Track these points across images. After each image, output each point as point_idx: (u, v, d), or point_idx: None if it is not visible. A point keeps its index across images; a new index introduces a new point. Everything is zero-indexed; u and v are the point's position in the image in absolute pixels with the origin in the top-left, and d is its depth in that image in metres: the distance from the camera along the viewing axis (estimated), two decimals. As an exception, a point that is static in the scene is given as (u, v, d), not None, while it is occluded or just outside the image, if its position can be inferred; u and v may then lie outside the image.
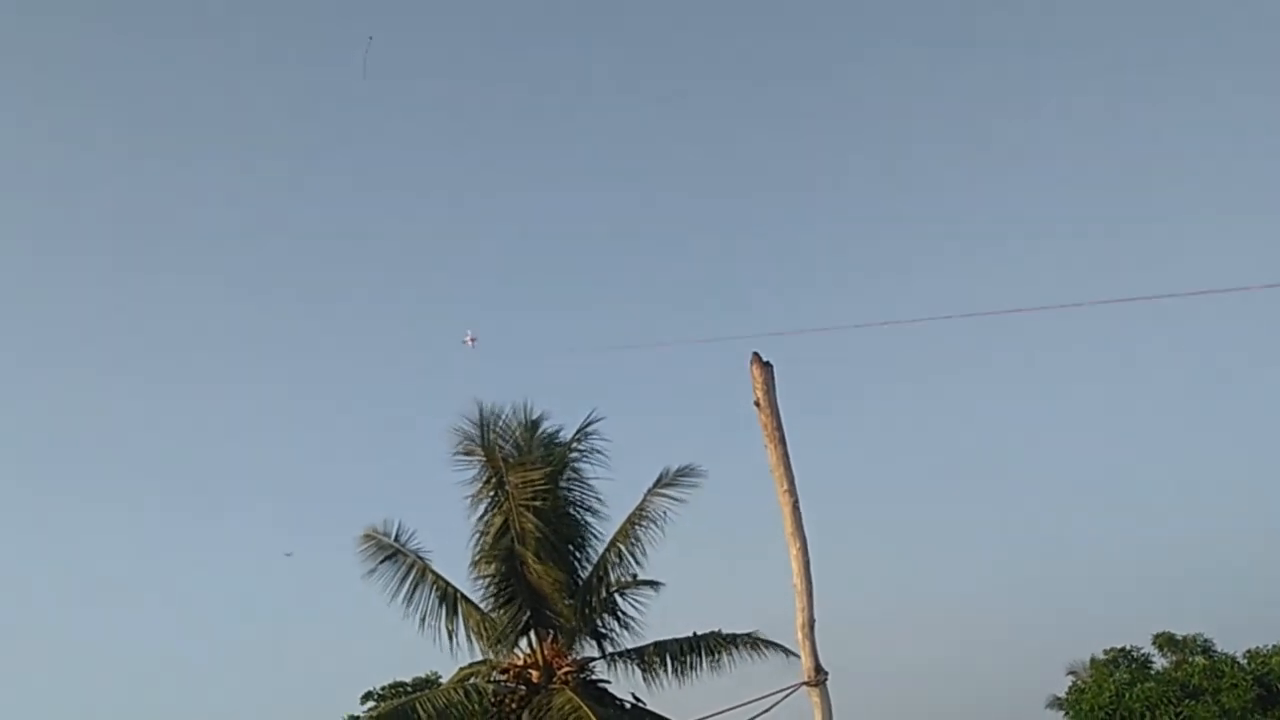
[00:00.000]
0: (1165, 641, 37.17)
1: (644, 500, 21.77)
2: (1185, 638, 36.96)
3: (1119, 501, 54.22)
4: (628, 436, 25.38)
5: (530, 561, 20.53)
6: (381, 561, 21.16)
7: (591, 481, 22.23)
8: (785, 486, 14.89)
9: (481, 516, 21.22)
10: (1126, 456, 56.84)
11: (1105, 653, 37.70)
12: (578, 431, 22.19)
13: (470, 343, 31.15)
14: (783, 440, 14.91)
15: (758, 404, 14.68)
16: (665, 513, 21.55)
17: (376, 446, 51.72)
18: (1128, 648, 37.50)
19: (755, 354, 14.75)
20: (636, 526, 21.63)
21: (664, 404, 51.74)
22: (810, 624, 14.67)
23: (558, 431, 22.40)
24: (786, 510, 14.84)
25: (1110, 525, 53.00)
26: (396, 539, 21.45)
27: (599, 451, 22.22)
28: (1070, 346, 58.54)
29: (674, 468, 21.86)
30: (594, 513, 22.07)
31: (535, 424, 22.20)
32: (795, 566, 14.73)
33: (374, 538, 21.32)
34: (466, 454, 21.46)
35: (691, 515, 22.02)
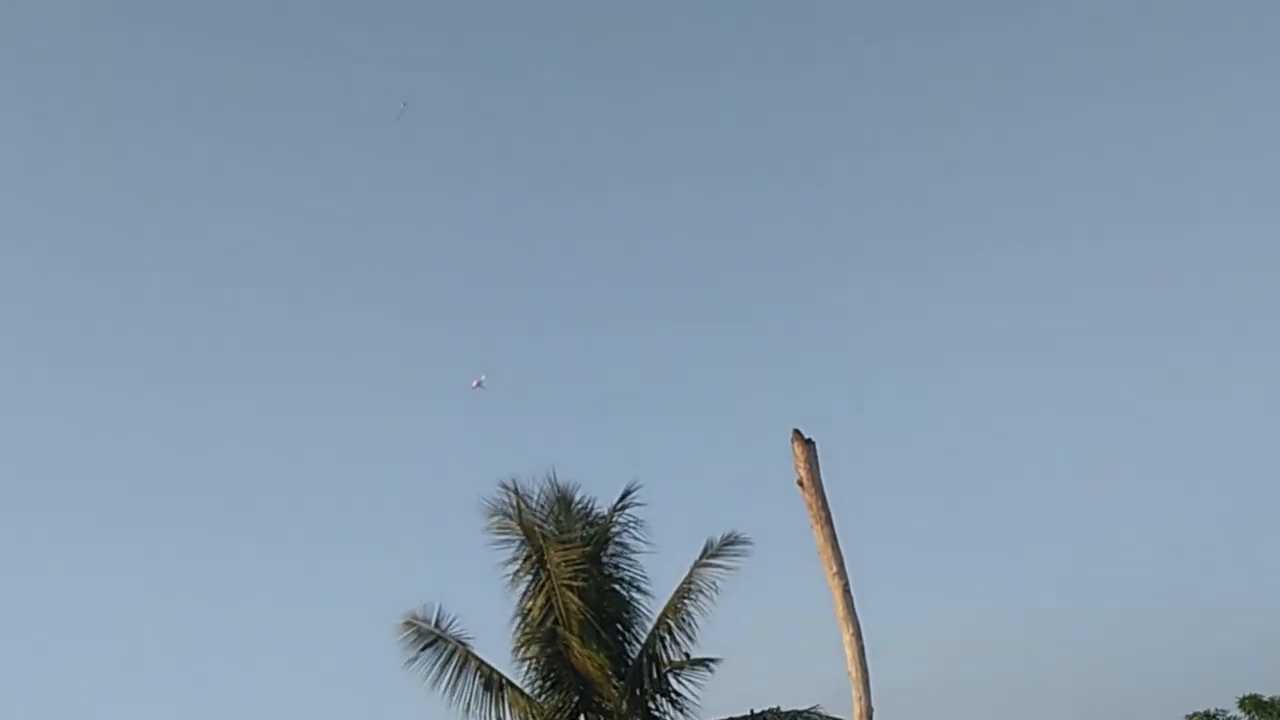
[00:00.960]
0: (1253, 705, 36.07)
1: (691, 573, 21.30)
2: (1273, 700, 35.85)
3: (1196, 561, 52.70)
4: (668, 505, 25.00)
5: (575, 644, 20.17)
6: (422, 649, 20.83)
7: (634, 555, 21.81)
8: (834, 569, 14.56)
9: (522, 597, 20.90)
10: (1201, 517, 55.04)
11: (1189, 718, 36.69)
12: (618, 503, 21.84)
13: (479, 385, 31.00)
14: (829, 520, 14.60)
15: (801, 484, 14.40)
16: (714, 584, 21.13)
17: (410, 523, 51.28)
18: (1212, 711, 36.46)
19: (796, 431, 14.47)
20: (685, 601, 21.15)
21: (704, 468, 50.95)
22: (868, 714, 14.24)
23: (593, 503, 22.10)
24: (837, 594, 14.49)
25: (1188, 585, 51.50)
26: (437, 624, 21.12)
27: (640, 523, 21.84)
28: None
29: (719, 537, 21.42)
30: (639, 589, 21.64)
31: (568, 495, 21.93)
32: (849, 653, 14.35)
33: (414, 624, 21.01)
34: (502, 531, 21.21)
35: (744, 583, 21.82)
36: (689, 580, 21.24)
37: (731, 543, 21.36)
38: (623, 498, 21.72)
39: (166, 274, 59.58)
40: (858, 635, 14.23)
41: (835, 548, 14.48)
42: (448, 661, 20.88)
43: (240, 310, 59.11)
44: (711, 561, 21.25)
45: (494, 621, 21.48)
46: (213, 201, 60.45)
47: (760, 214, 61.64)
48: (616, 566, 21.55)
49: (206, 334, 58.29)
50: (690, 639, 21.03)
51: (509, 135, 62.64)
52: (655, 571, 21.85)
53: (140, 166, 62.79)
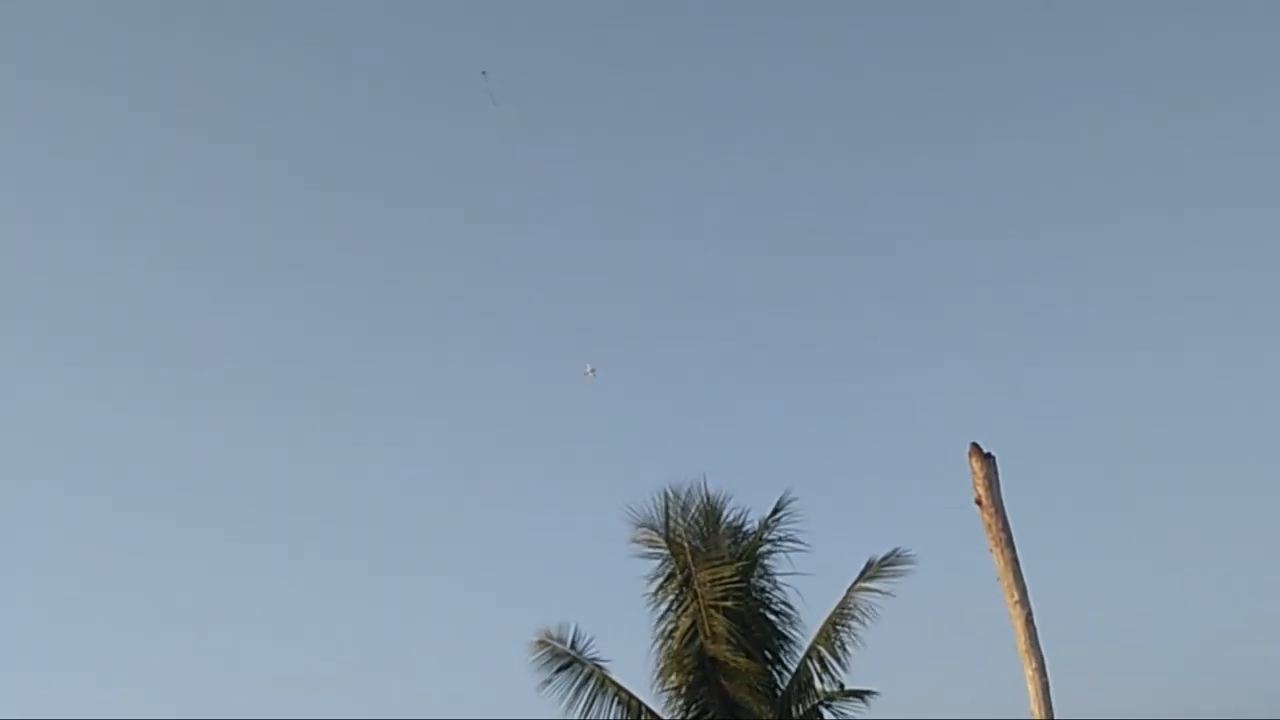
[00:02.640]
0: None
1: (849, 594, 20.54)
2: None
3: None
4: (825, 520, 24.16)
5: (722, 671, 19.55)
6: (557, 671, 20.40)
7: (786, 575, 21.07)
8: (1016, 597, 13.68)
9: (665, 618, 20.39)
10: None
11: None
12: (770, 516, 21.10)
13: (591, 374, 30.78)
14: (1011, 543, 13.70)
15: (979, 503, 13.54)
16: (873, 608, 20.37)
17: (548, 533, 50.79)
18: None
19: (974, 445, 13.57)
20: (840, 626, 20.37)
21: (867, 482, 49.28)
22: (1053, 759, 13.35)
23: (745, 516, 21.34)
24: (1019, 624, 13.59)
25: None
26: (572, 645, 20.68)
27: (794, 540, 21.06)
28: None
29: (881, 556, 20.64)
30: (791, 612, 20.91)
31: (717, 508, 21.20)
32: (1032, 690, 13.48)
33: (548, 644, 20.60)
34: (648, 545, 20.70)
35: (907, 609, 21.09)
36: (846, 603, 20.47)
37: (894, 562, 20.55)
38: (775, 511, 21.01)
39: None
40: (1041, 670, 13.34)
41: (1017, 573, 13.61)
42: (583, 685, 20.42)
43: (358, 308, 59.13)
44: (871, 584, 20.47)
45: (632, 643, 21.06)
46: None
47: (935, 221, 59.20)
48: (767, 587, 20.85)
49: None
50: (845, 668, 20.28)
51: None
52: (809, 593, 21.17)
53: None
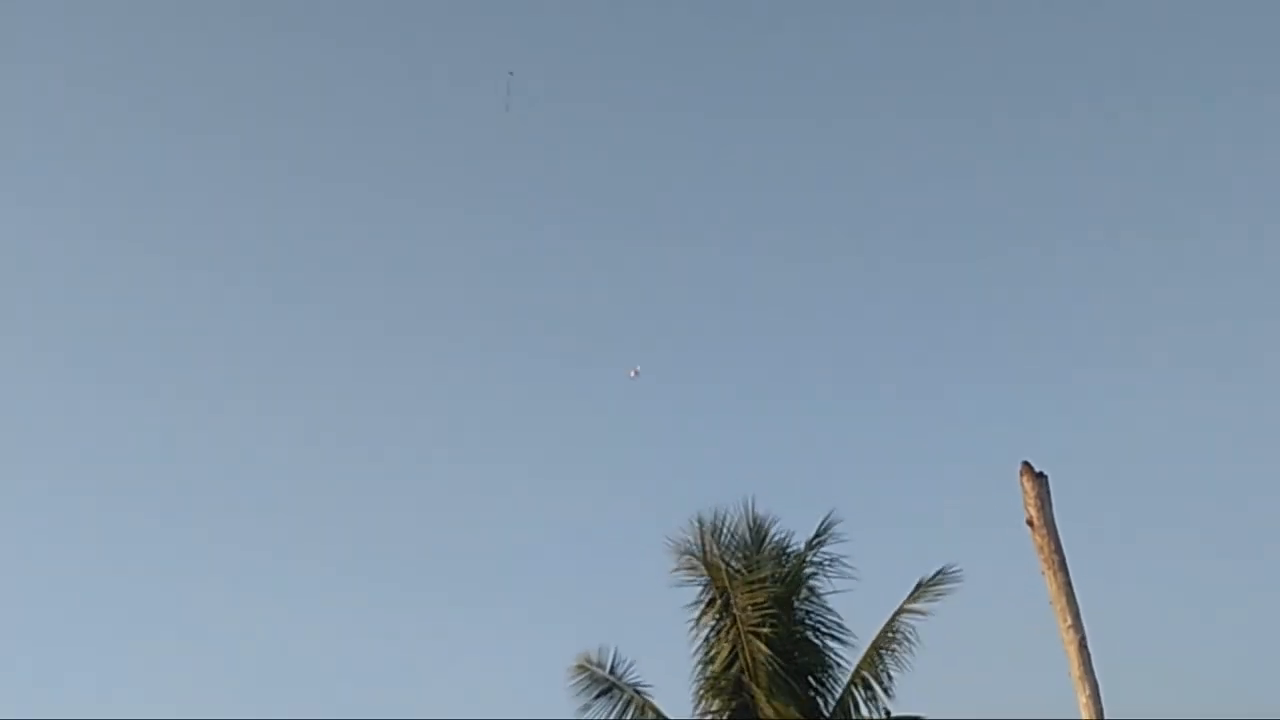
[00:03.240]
0: None
1: (894, 618, 20.13)
2: None
3: None
4: (870, 542, 23.80)
5: (762, 698, 19.17)
6: (596, 697, 20.19)
7: (830, 597, 20.68)
8: (1069, 621, 13.46)
9: (705, 643, 20.04)
10: None
11: None
12: (814, 538, 20.76)
13: (635, 374, 30.70)
14: (1064, 566, 13.46)
15: (1030, 524, 13.28)
16: (918, 633, 19.96)
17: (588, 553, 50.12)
18: None
19: (1025, 464, 13.34)
20: (885, 650, 19.97)
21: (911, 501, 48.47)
22: (1110, 792, 13.06)
23: (789, 537, 21.01)
24: (1072, 650, 13.37)
25: None
26: (612, 670, 20.46)
27: (839, 561, 20.69)
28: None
29: (928, 576, 20.21)
30: (834, 636, 20.48)
31: (763, 529, 20.90)
32: (1085, 718, 13.21)
33: (587, 669, 20.41)
34: (688, 570, 20.40)
35: (955, 634, 20.64)
36: (891, 626, 20.06)
37: (941, 581, 20.16)
38: (819, 533, 20.69)
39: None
40: (1096, 698, 13.16)
41: (1070, 597, 13.40)
42: (624, 711, 20.19)
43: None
44: (917, 606, 20.06)
45: (674, 667, 20.69)
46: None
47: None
48: (810, 610, 20.49)
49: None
50: (890, 694, 19.86)
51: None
52: (854, 616, 20.76)
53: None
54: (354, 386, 57.55)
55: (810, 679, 20.12)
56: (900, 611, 20.11)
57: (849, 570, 20.61)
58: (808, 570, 20.62)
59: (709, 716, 19.87)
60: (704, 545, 20.38)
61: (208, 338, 57.67)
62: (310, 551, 49.50)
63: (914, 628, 19.97)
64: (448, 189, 60.77)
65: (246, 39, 61.41)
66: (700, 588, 20.29)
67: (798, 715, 19.26)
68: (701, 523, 20.54)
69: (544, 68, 56.32)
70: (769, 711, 19.20)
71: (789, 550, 20.84)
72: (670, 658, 20.97)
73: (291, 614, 46.28)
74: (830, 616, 20.53)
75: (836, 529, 20.71)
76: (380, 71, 61.68)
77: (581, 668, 20.52)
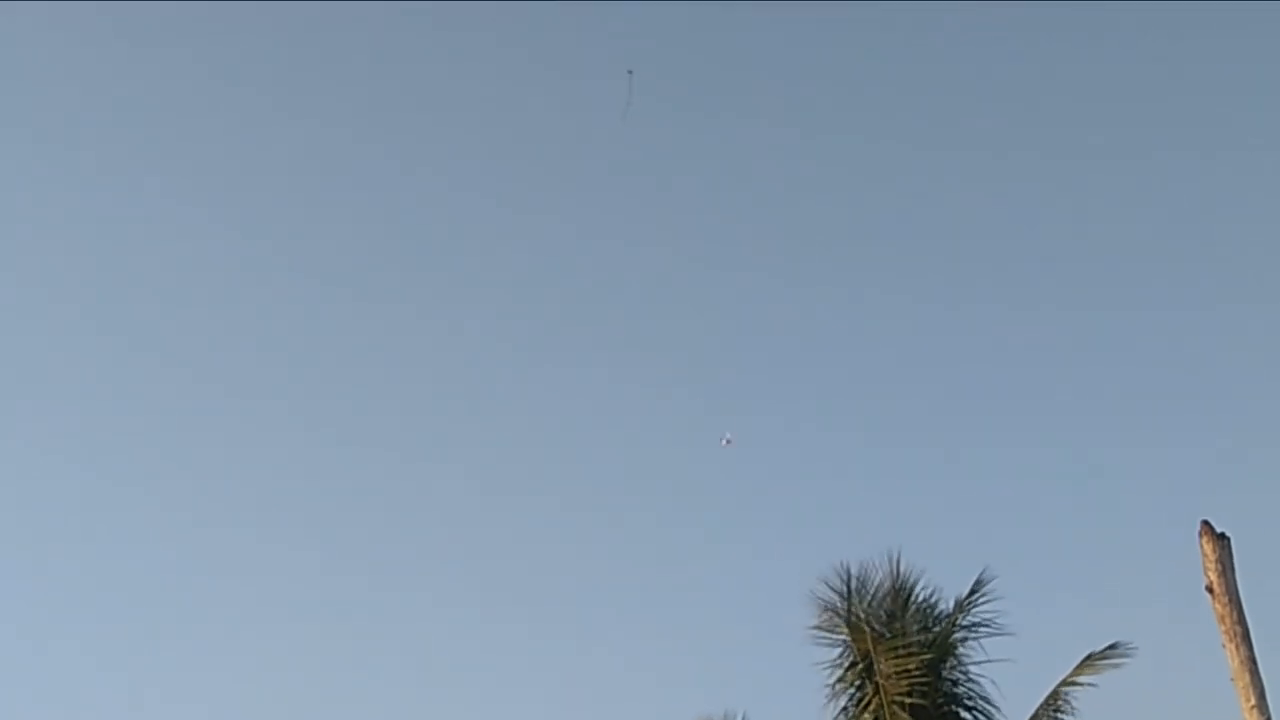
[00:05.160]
0: None
1: (1055, 691, 19.03)
2: None
3: None
4: (1027, 602, 22.74)
5: (908, 774, 18.28)
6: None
7: (983, 665, 19.72)
8: (1252, 701, 12.48)
9: (844, 711, 19.27)
10: None
11: None
12: (966, 598, 19.83)
13: (727, 443, 30.23)
14: (1247, 638, 12.48)
15: (1210, 590, 12.37)
16: (1080, 709, 18.97)
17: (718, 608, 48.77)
18: None
19: (1206, 524, 12.46)
20: (1044, 727, 18.85)
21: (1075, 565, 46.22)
22: None
23: (938, 595, 20.11)
24: (1254, 734, 12.32)
25: None
26: (739, 736, 19.88)
27: (993, 624, 19.72)
28: None
29: (1099, 649, 19.10)
30: (986, 709, 19.55)
31: (907, 586, 20.01)
32: (1272, 815, 12.18)
33: (712, 733, 19.85)
34: (827, 630, 19.60)
35: (1122, 709, 19.85)
36: (1053, 701, 18.99)
37: (1111, 656, 19.03)
38: (972, 592, 19.75)
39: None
40: (1284, 792, 12.09)
41: (1254, 672, 12.45)
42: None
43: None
44: (1083, 678, 18.99)
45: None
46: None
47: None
48: (960, 680, 19.55)
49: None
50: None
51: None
52: (1009, 687, 19.79)
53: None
54: (467, 407, 56.99)
55: (960, 756, 19.24)
56: (1063, 684, 19.02)
57: (1004, 635, 19.62)
58: (957, 634, 19.68)
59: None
60: (849, 602, 19.62)
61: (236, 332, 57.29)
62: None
63: (1076, 702, 18.93)
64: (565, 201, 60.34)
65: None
66: (840, 649, 19.50)
67: (945, 795, 18.42)
68: (847, 576, 19.75)
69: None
70: (914, 791, 18.34)
71: (937, 612, 19.94)
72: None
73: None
74: (982, 687, 19.58)
75: (991, 588, 19.73)
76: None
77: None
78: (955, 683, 19.53)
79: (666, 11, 54.99)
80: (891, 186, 58.16)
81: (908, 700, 18.34)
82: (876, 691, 18.73)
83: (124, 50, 57.55)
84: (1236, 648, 12.38)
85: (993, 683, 19.56)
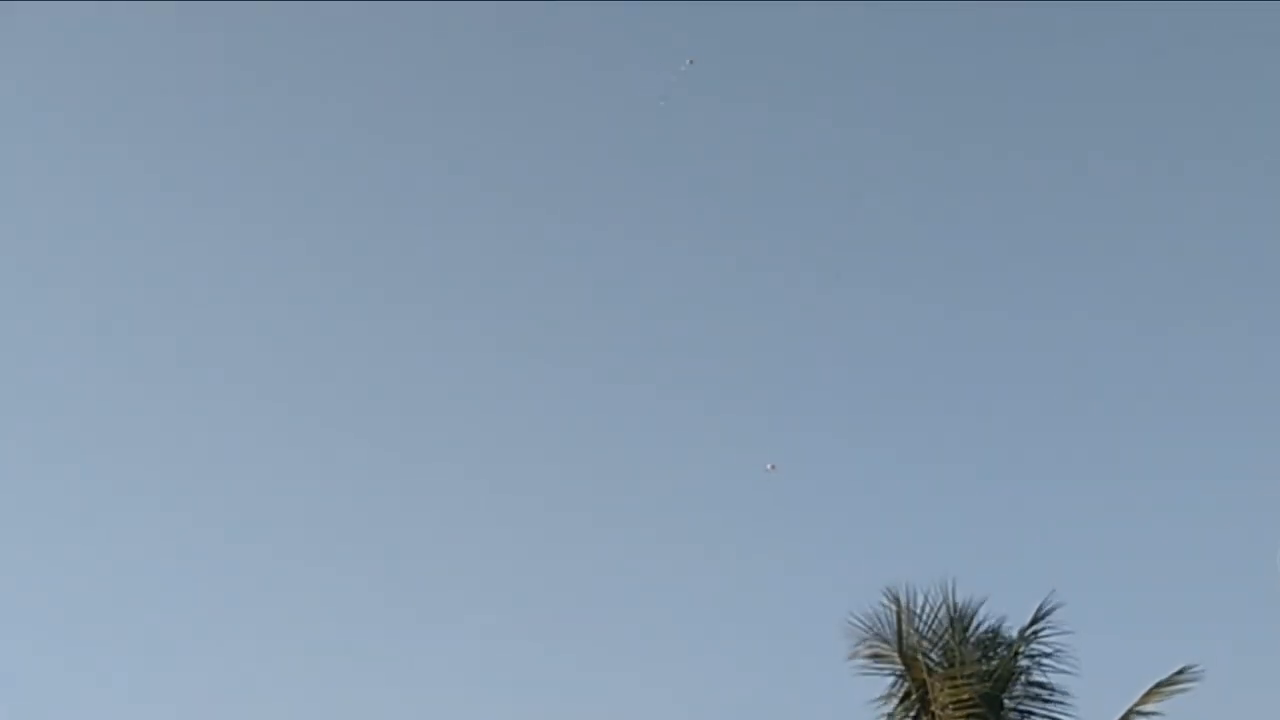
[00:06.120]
0: None
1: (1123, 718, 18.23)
2: None
3: None
4: (1092, 630, 21.84)
5: (965, 811, 17.52)
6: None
7: (1047, 698, 18.89)
8: None
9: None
10: None
11: None
12: (1028, 626, 19.04)
13: (771, 469, 30.01)
14: None
15: None
16: None
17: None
18: None
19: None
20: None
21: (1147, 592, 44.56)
22: None
23: (1000, 624, 19.34)
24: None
25: None
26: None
27: (1060, 654, 18.96)
28: None
29: (1166, 676, 18.34)
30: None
31: (966, 615, 19.24)
32: None
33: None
34: (875, 658, 18.89)
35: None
36: (1118, 731, 18.21)
37: (1178, 682, 18.28)
38: (1035, 619, 18.95)
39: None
40: None
41: None
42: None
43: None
44: (1150, 708, 18.24)
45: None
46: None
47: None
48: (1022, 712, 18.77)
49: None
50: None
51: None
52: (1076, 713, 18.93)
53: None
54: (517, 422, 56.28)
55: (1021, 793, 18.51)
56: (1130, 714, 18.27)
57: (1071, 667, 18.84)
58: (1021, 663, 18.92)
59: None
60: (900, 629, 18.84)
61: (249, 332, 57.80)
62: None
63: None
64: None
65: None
66: (892, 679, 18.81)
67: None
68: (898, 602, 18.99)
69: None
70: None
71: (999, 640, 19.18)
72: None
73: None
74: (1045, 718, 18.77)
75: (1054, 616, 18.92)
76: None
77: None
78: (1019, 711, 18.82)
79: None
80: (943, 188, 57.34)
81: (966, 735, 17.65)
82: (932, 722, 18.10)
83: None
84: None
85: (1059, 710, 18.77)
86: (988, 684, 18.16)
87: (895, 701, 18.70)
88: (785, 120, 56.33)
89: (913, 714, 18.54)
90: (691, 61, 31.05)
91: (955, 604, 19.17)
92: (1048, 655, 18.90)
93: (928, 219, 56.32)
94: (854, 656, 19.00)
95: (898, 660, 18.68)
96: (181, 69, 59.44)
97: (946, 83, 58.41)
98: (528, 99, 58.90)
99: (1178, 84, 56.90)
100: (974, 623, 19.18)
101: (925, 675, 18.35)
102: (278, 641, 45.32)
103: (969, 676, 18.11)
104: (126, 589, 46.97)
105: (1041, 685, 18.86)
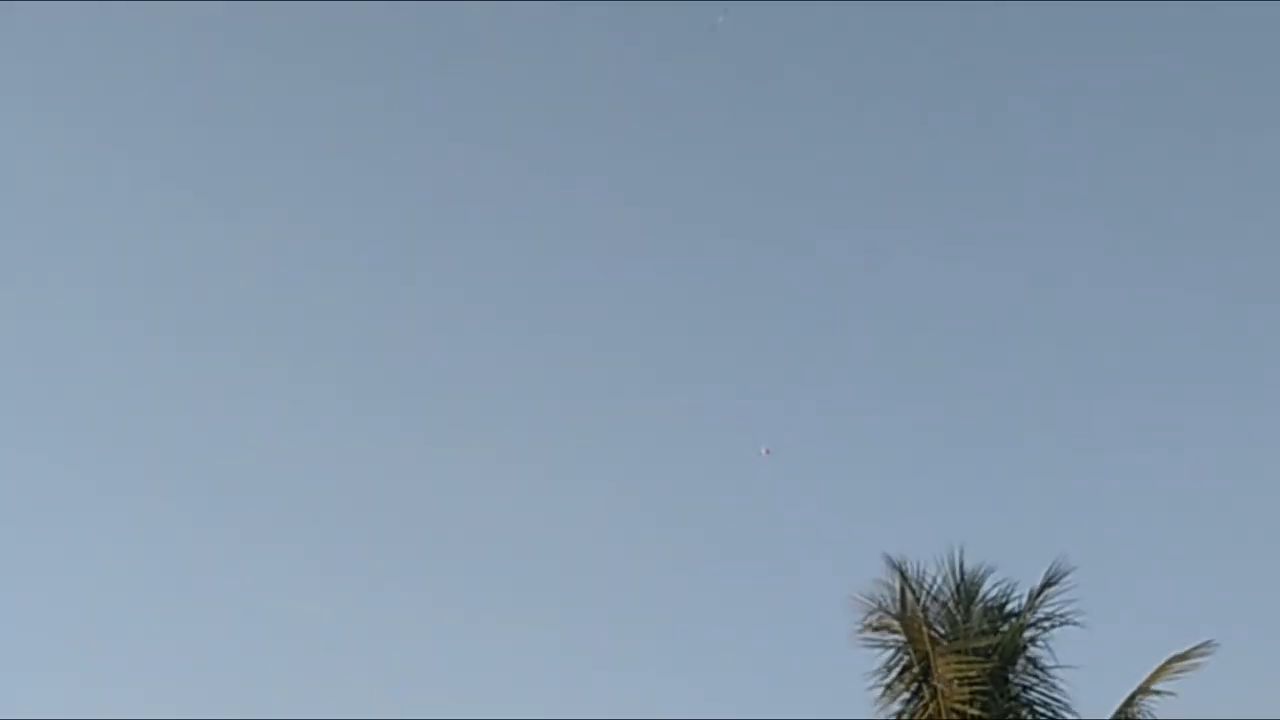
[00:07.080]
0: None
1: (1134, 697, 17.96)
2: None
3: None
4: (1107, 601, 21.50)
5: (968, 789, 17.19)
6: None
7: (1056, 671, 18.63)
8: None
9: (897, 718, 18.26)
10: None
11: None
12: (1037, 595, 18.68)
13: (766, 455, 29.92)
14: None
15: None
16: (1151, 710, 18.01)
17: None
18: None
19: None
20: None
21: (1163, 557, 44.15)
22: None
23: (1008, 594, 19.04)
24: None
25: None
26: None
27: (1068, 620, 18.61)
28: None
29: (1182, 651, 17.98)
30: (1060, 717, 18.46)
31: (973, 585, 18.98)
32: None
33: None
34: (877, 630, 18.51)
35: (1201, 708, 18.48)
36: (1129, 707, 17.96)
37: (1195, 656, 17.91)
38: (1043, 589, 18.59)
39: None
40: None
41: None
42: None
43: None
44: (1160, 687, 17.93)
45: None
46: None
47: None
48: (1029, 684, 18.48)
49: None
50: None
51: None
52: (1086, 691, 18.79)
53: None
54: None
55: (1027, 769, 18.22)
56: (1139, 692, 18.00)
57: (1079, 631, 18.56)
58: (1027, 634, 18.60)
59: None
60: (902, 599, 18.51)
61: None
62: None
63: (1161, 708, 17.97)
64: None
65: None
66: (892, 651, 18.42)
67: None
68: (902, 572, 18.63)
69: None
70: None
71: (1006, 610, 18.89)
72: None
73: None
74: (1055, 694, 18.50)
75: (1065, 582, 18.53)
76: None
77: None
78: (1026, 687, 18.52)
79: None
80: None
81: (970, 711, 17.37)
82: (935, 696, 17.73)
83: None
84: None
85: (1064, 697, 18.53)
86: (994, 655, 17.86)
87: (896, 673, 18.36)
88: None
89: (914, 686, 18.19)
90: (723, 17, 30.02)
91: (962, 572, 18.89)
92: (1056, 620, 18.60)
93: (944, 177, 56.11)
94: (859, 631, 18.67)
95: (900, 631, 18.32)
96: (182, 68, 59.47)
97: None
98: (546, 83, 58.96)
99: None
100: (980, 593, 18.91)
101: (929, 647, 17.97)
102: (278, 641, 44.97)
103: (974, 647, 17.83)
104: (126, 589, 46.71)
105: (1049, 656, 18.63)
